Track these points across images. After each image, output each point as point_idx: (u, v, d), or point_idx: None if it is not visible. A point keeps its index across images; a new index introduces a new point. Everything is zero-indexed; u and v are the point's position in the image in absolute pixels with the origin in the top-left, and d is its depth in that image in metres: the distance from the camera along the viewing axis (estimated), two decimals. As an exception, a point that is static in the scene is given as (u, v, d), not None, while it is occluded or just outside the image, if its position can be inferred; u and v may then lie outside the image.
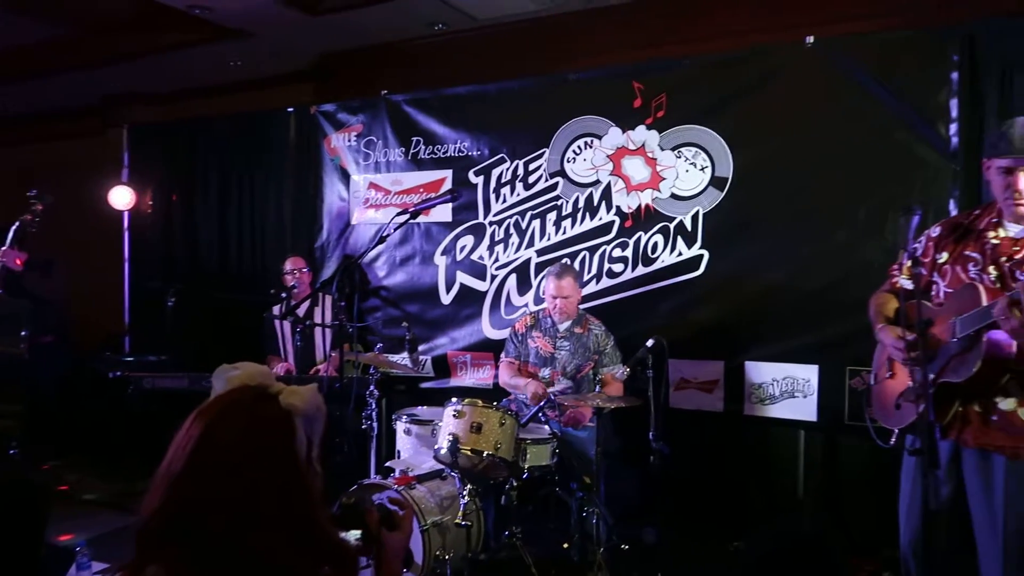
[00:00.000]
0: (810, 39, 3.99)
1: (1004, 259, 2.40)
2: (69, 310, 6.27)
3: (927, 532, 2.27)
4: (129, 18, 5.31)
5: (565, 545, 3.58)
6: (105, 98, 6.94)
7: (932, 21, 4.07)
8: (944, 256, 2.57)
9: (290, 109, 5.59)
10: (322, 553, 1.17)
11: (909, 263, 2.42)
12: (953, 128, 3.68)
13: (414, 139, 5.06)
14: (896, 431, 2.64)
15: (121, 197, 6.06)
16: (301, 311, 4.71)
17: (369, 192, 5.24)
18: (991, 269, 2.42)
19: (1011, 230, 2.43)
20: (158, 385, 4.72)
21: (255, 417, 1.20)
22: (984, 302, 2.28)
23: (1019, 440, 2.34)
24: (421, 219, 4.99)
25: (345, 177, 5.35)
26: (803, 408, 4.03)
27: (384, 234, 3.48)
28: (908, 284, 2.62)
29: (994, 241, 2.45)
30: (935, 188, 3.69)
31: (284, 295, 4.79)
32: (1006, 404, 2.36)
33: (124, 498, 4.58)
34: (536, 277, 4.67)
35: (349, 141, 5.32)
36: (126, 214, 6.24)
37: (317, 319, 4.77)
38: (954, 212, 3.56)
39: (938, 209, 3.60)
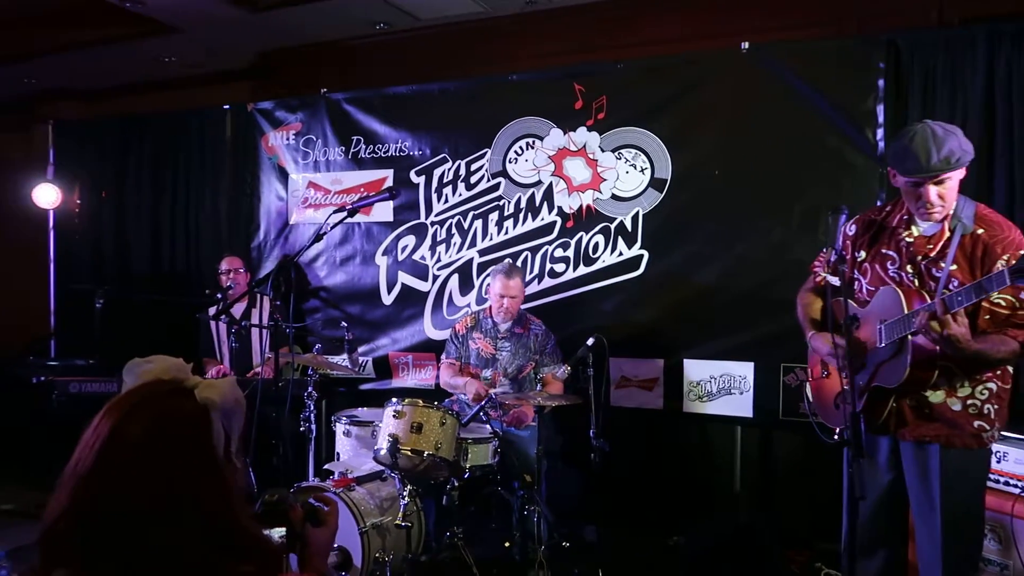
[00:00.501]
0: (745, 45, 4.09)
1: (920, 257, 2.49)
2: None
3: (853, 523, 2.33)
4: (56, 10, 5.11)
5: (507, 544, 3.57)
6: (30, 93, 6.66)
7: (861, 30, 4.23)
8: (863, 254, 2.65)
9: (226, 107, 5.47)
10: (242, 551, 1.13)
11: (836, 261, 2.49)
12: (880, 133, 3.82)
13: (354, 138, 5.01)
14: (838, 429, 2.71)
15: (46, 195, 5.83)
16: (237, 312, 4.60)
17: (308, 191, 5.16)
18: (908, 268, 2.51)
19: (923, 227, 2.52)
20: (85, 390, 4.55)
21: (168, 411, 1.15)
22: (904, 308, 2.35)
23: (951, 430, 2.44)
24: (362, 219, 4.94)
25: (283, 176, 5.25)
26: (740, 404, 4.12)
27: (322, 232, 3.42)
28: (835, 281, 2.71)
29: (908, 239, 2.53)
30: (863, 190, 3.82)
31: (220, 296, 4.67)
32: (936, 397, 2.46)
33: (45, 508, 4.38)
34: (478, 277, 4.66)
35: (288, 140, 5.22)
36: (52, 213, 6.00)
37: (254, 320, 4.66)
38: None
39: (866, 210, 3.71)
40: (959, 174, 2.43)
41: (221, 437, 1.17)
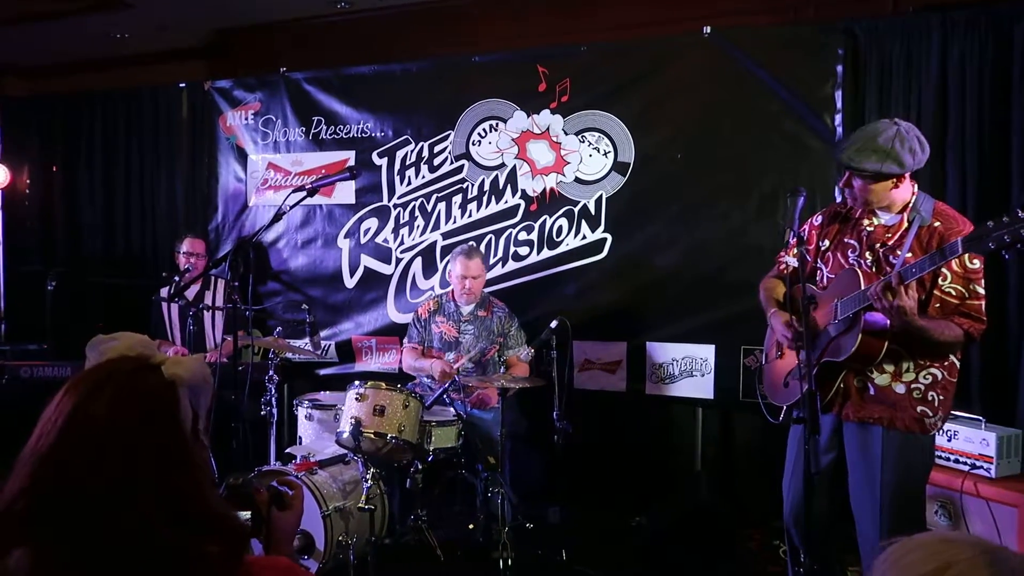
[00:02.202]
0: (707, 30, 4.11)
1: (879, 245, 2.57)
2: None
3: (808, 498, 2.38)
4: (-1, -18, 4.93)
5: (471, 527, 3.60)
6: (-27, 69, 6.42)
7: (819, 17, 4.28)
8: (827, 243, 2.73)
9: (182, 85, 5.34)
10: (208, 529, 1.11)
11: (796, 243, 2.55)
12: (838, 119, 3.87)
13: (315, 119, 4.92)
14: (784, 407, 2.78)
15: (-6, 175, 5.62)
16: (191, 294, 4.50)
17: (268, 172, 5.07)
18: (867, 255, 2.60)
19: (883, 218, 2.60)
20: (37, 375, 4.43)
21: (134, 387, 1.11)
22: (863, 286, 2.42)
23: (894, 411, 2.51)
24: (324, 201, 4.87)
25: (242, 157, 5.15)
26: (701, 386, 4.18)
27: (281, 211, 3.36)
28: (794, 262, 2.77)
29: (869, 228, 2.62)
30: (821, 175, 3.88)
31: (176, 278, 4.56)
32: (881, 379, 2.54)
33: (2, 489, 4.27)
34: (442, 260, 4.64)
35: (246, 119, 5.11)
36: (0, 193, 5.80)
37: (207, 303, 4.56)
38: (839, 197, 3.75)
39: (824, 194, 3.79)
40: (865, 182, 2.50)
41: (188, 414, 1.14)
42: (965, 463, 3.13)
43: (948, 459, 3.19)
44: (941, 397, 2.51)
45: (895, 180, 2.49)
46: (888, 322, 2.39)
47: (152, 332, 4.76)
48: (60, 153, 5.73)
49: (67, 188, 5.71)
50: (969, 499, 3.05)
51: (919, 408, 2.50)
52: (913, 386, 2.51)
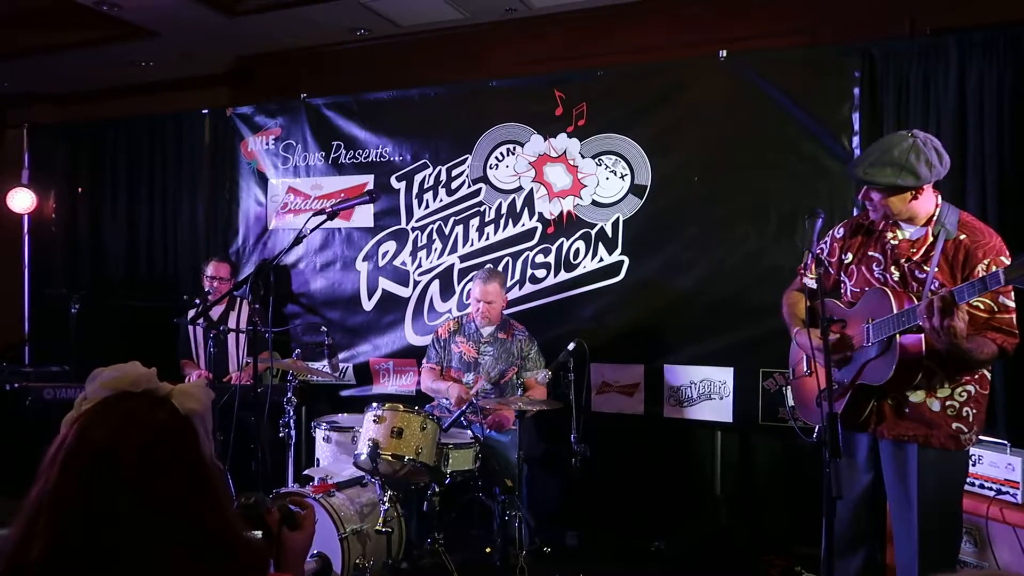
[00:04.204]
0: (723, 53, 4.13)
1: (904, 260, 2.54)
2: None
3: (830, 522, 2.34)
4: (30, 13, 5.04)
5: (488, 550, 3.57)
6: (3, 96, 6.56)
7: (835, 39, 4.29)
8: (849, 256, 2.70)
9: (205, 111, 5.44)
10: (227, 557, 1.10)
11: (814, 263, 2.53)
12: (856, 140, 3.87)
13: (335, 143, 4.99)
14: (818, 427, 2.74)
15: (21, 200, 5.75)
16: (215, 315, 4.55)
17: (288, 196, 5.13)
18: (893, 269, 2.56)
19: (907, 231, 2.57)
20: (60, 396, 4.48)
21: (157, 428, 1.10)
22: (893, 308, 2.39)
23: (929, 429, 2.48)
24: (342, 224, 4.92)
25: (263, 181, 5.22)
26: (720, 409, 4.14)
27: (302, 235, 3.40)
28: (812, 284, 2.75)
29: (893, 242, 2.58)
30: (839, 196, 3.87)
31: (197, 300, 4.61)
32: (916, 397, 2.50)
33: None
34: (459, 283, 4.66)
35: (267, 144, 5.19)
36: (26, 218, 5.91)
37: (231, 325, 4.61)
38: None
39: (843, 215, 3.74)
40: (882, 194, 2.49)
41: (209, 445, 1.15)
42: (990, 489, 3.07)
43: (973, 484, 3.13)
44: (975, 411, 2.48)
45: (913, 192, 2.46)
46: (923, 346, 2.35)
47: (179, 352, 4.82)
48: (85, 178, 5.85)
49: (91, 212, 5.82)
50: (995, 525, 2.99)
51: (954, 425, 2.47)
52: (948, 403, 2.47)
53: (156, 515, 1.04)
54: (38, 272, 5.94)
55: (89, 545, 1.02)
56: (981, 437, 2.99)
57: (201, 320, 4.04)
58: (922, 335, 2.37)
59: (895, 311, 2.39)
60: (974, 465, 3.14)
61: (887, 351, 2.42)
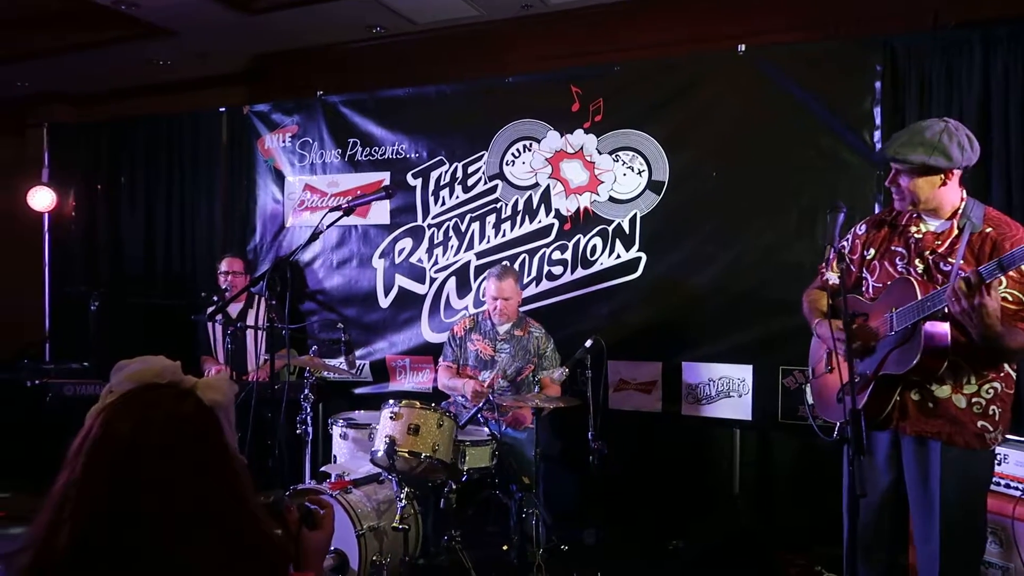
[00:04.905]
0: (742, 48, 4.09)
1: (928, 252, 2.50)
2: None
3: (853, 521, 2.30)
4: (49, 13, 5.08)
5: (505, 547, 3.55)
6: (22, 96, 6.62)
7: (857, 33, 4.23)
8: (872, 252, 2.66)
9: (222, 109, 5.46)
10: (250, 553, 1.10)
11: (835, 259, 2.49)
12: (877, 135, 3.82)
13: (351, 141, 4.99)
14: (838, 424, 2.69)
15: (42, 199, 5.80)
16: (233, 312, 4.57)
17: (304, 194, 5.14)
18: (917, 262, 2.51)
19: (931, 224, 2.53)
20: (80, 392, 4.51)
21: (181, 419, 1.10)
22: (919, 295, 2.35)
23: (954, 427, 2.42)
24: (358, 221, 4.92)
25: (279, 178, 5.24)
26: (738, 407, 4.11)
27: (318, 231, 3.40)
28: (835, 279, 2.71)
29: (917, 236, 2.54)
30: (860, 191, 3.83)
31: (216, 298, 4.64)
32: (942, 392, 2.44)
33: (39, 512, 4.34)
34: (476, 280, 4.65)
35: (283, 142, 5.21)
36: (47, 216, 5.97)
37: (250, 322, 4.63)
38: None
39: (864, 210, 3.71)
40: (911, 176, 2.45)
41: (233, 436, 1.14)
42: (1016, 488, 3.02)
43: (999, 484, 3.08)
44: (1000, 409, 2.42)
45: (943, 177, 2.42)
46: (948, 334, 2.30)
47: (199, 348, 4.85)
48: (104, 177, 5.90)
49: (110, 211, 5.87)
50: (1021, 526, 2.94)
51: (980, 423, 2.41)
52: (974, 400, 2.42)
53: (181, 505, 1.04)
54: (58, 270, 6.00)
55: (114, 535, 1.02)
56: (1008, 436, 2.95)
57: (219, 316, 4.05)
58: (948, 326, 2.32)
59: (919, 299, 2.35)
60: (1000, 464, 3.09)
61: (911, 339, 2.37)
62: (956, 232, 2.45)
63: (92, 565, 1.01)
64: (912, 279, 2.42)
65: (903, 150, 2.41)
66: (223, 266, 4.85)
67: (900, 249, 2.57)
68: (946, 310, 2.26)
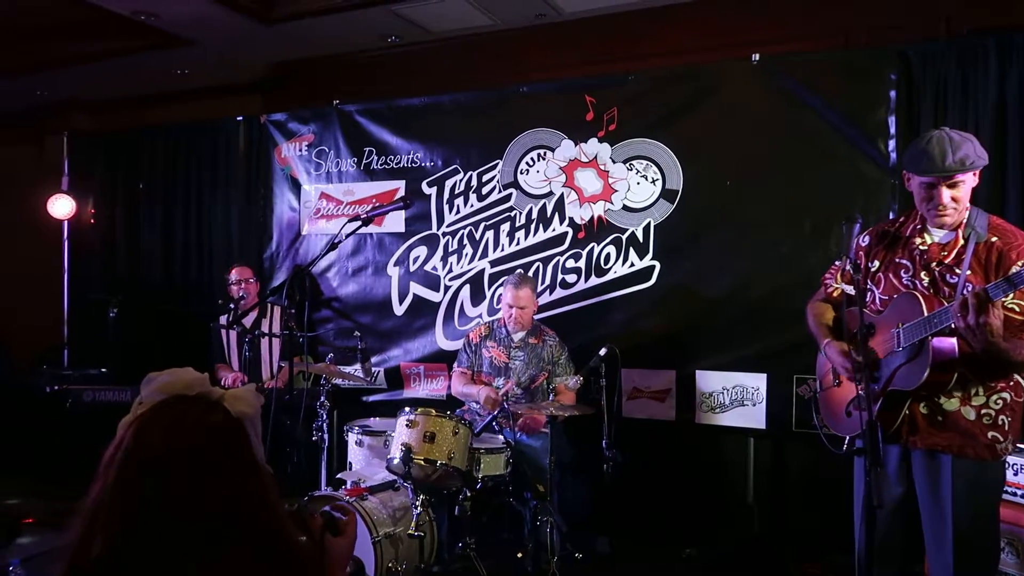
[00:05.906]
0: (756, 57, 4.10)
1: (934, 264, 2.49)
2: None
3: (870, 533, 2.30)
4: (69, 23, 5.16)
5: (519, 555, 3.57)
6: (42, 105, 6.71)
7: (870, 42, 4.23)
8: (876, 264, 2.65)
9: (239, 118, 5.52)
10: (281, 562, 1.12)
11: (850, 269, 2.49)
12: (892, 144, 3.82)
13: (367, 149, 5.04)
14: (847, 438, 2.70)
15: (61, 207, 5.88)
16: (248, 321, 4.61)
17: (320, 202, 5.19)
18: (923, 275, 2.51)
19: (936, 235, 2.52)
20: (99, 398, 4.57)
21: (210, 430, 1.13)
22: (925, 311, 2.35)
23: (964, 439, 2.41)
24: (374, 230, 4.96)
25: (296, 187, 5.29)
26: (752, 416, 4.11)
27: (336, 240, 3.44)
28: (850, 290, 2.71)
29: (922, 247, 2.53)
30: (875, 201, 3.82)
31: (232, 306, 4.68)
32: (950, 405, 2.44)
33: (61, 516, 4.39)
34: (490, 288, 4.67)
35: (300, 151, 5.26)
36: (66, 224, 6.05)
37: (264, 330, 4.67)
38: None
39: (878, 220, 3.69)
40: (971, 179, 2.45)
41: (260, 448, 1.17)
42: (1032, 498, 3.01)
43: (1015, 494, 3.07)
44: (1010, 420, 2.42)
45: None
46: (956, 348, 2.30)
47: (213, 356, 4.90)
48: (123, 184, 5.98)
49: (129, 218, 5.94)
50: (1038, 536, 2.93)
51: (990, 434, 2.41)
52: (983, 411, 2.41)
53: (212, 515, 1.06)
54: (77, 277, 6.07)
55: (147, 545, 1.04)
56: (1020, 445, 2.94)
57: (236, 325, 4.10)
58: (955, 339, 2.33)
59: (926, 315, 2.35)
60: (1015, 474, 3.08)
61: (919, 355, 2.38)
62: (961, 242, 2.45)
63: (126, 571, 1.03)
64: (917, 294, 2.42)
65: (966, 157, 2.38)
66: (234, 275, 4.89)
67: (905, 261, 2.56)
68: (952, 325, 2.26)
